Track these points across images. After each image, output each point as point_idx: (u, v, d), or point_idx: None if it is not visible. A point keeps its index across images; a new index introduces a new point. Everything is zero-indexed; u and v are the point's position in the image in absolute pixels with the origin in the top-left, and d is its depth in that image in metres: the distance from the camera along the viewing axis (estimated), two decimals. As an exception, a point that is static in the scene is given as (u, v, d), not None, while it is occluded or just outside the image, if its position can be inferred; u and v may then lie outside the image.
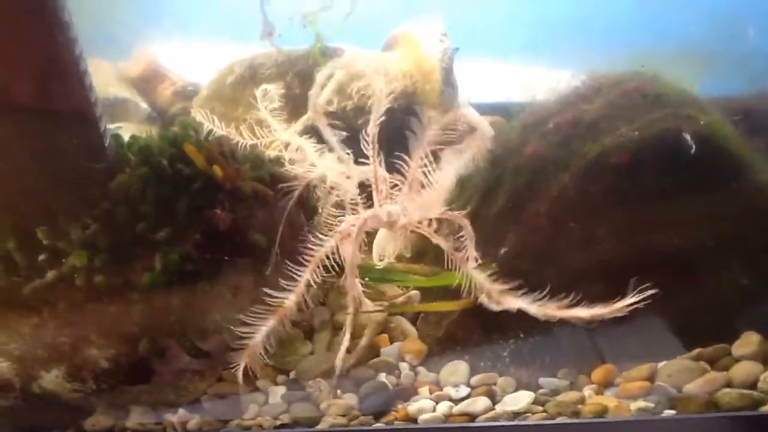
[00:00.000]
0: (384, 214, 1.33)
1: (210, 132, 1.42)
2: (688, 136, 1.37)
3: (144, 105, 2.16)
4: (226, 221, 1.31)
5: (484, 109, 2.06)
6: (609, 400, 1.38)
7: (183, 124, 1.45)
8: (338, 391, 1.41)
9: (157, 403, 1.41)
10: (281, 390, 1.43)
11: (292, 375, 1.46)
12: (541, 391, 1.41)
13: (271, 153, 1.48)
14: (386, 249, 1.40)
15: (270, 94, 1.56)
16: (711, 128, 1.42)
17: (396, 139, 1.72)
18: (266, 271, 1.38)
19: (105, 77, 2.13)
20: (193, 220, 1.33)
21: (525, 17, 2.17)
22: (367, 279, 1.47)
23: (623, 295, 1.33)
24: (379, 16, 1.89)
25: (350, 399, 1.40)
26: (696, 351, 1.44)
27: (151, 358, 1.34)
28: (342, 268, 1.38)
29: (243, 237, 1.36)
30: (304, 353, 1.48)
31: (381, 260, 1.42)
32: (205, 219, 1.32)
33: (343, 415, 1.37)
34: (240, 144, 1.46)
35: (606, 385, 1.42)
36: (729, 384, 1.39)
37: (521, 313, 1.36)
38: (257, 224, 1.38)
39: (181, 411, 1.41)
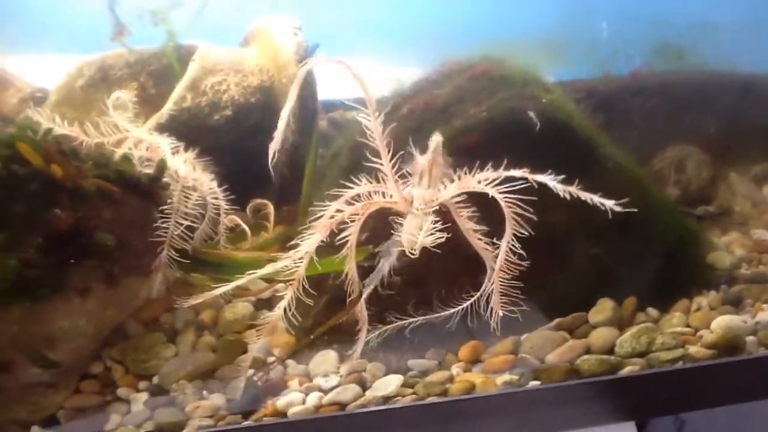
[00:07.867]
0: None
1: (48, 131, 1.34)
2: (532, 114, 1.42)
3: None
4: (67, 221, 1.24)
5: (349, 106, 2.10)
6: (476, 376, 1.41)
7: (20, 125, 1.37)
8: (204, 392, 1.37)
9: (7, 423, 1.31)
10: (144, 396, 1.37)
11: (155, 380, 1.39)
12: (410, 373, 1.42)
13: (119, 151, 1.42)
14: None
15: (122, 101, 1.50)
16: (554, 106, 1.48)
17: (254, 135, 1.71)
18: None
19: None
20: (32, 223, 1.26)
21: (394, 21, 2.22)
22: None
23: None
24: (235, 12, 1.87)
25: (218, 399, 1.36)
26: (555, 321, 1.49)
27: (-6, 373, 1.25)
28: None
29: (88, 238, 1.29)
30: (166, 356, 1.42)
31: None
32: (45, 221, 1.25)
33: (210, 416, 1.33)
34: (84, 143, 1.39)
35: (473, 361, 1.45)
36: (588, 351, 1.45)
37: (387, 297, 1.38)
38: (104, 224, 1.31)
39: (35, 429, 1.31)
